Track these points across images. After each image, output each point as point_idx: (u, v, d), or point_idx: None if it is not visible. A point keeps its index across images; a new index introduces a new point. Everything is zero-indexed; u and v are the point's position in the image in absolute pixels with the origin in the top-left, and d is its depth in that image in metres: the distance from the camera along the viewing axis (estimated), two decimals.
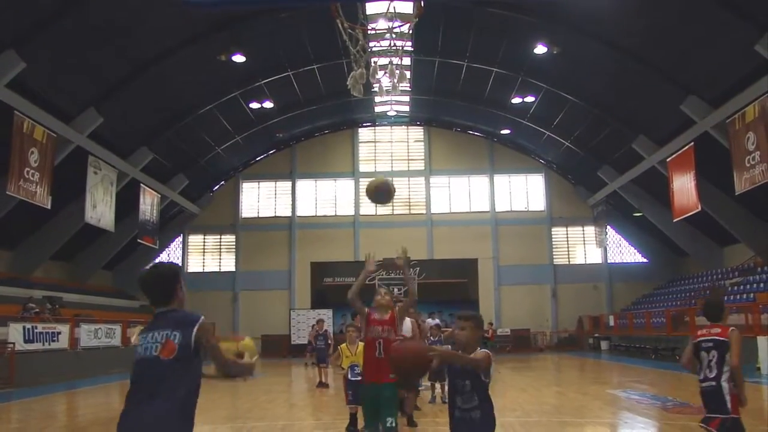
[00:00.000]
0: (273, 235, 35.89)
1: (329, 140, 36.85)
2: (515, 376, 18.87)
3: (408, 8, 18.56)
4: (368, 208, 36.42)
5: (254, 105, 29.76)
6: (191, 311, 3.45)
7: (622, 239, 36.13)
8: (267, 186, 37.05)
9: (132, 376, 3.30)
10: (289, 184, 36.73)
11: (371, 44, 17.83)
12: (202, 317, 3.39)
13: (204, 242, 36.88)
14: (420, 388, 11.26)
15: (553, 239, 36.09)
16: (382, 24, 17.82)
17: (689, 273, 31.83)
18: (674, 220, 26.16)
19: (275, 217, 36.51)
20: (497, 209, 36.18)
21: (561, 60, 25.06)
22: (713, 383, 5.20)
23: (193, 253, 36.74)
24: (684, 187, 24.17)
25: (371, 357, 5.72)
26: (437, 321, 15.39)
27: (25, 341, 17.78)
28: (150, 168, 28.71)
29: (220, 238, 36.74)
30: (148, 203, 29.48)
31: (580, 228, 36.40)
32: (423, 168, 36.77)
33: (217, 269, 36.44)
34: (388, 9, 14.41)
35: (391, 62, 16.87)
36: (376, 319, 5.88)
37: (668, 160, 25.37)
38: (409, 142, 37.32)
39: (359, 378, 7.95)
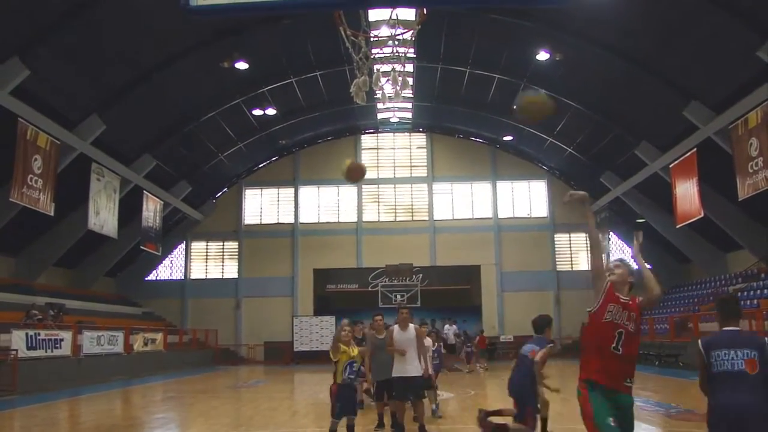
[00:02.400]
0: (276, 241, 35.88)
1: (332, 147, 36.86)
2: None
3: (411, 15, 18.55)
4: (371, 215, 36.45)
5: (257, 112, 29.82)
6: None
7: (625, 245, 36.04)
8: (270, 193, 37.07)
9: None
10: (291, 190, 36.75)
11: (374, 51, 17.87)
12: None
13: (207, 249, 36.88)
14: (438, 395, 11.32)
15: (556, 245, 36.02)
16: (384, 31, 17.82)
17: (692, 279, 31.73)
18: (677, 227, 26.09)
19: (278, 223, 36.51)
20: (500, 216, 36.13)
21: (563, 66, 25.08)
22: None
23: (195, 260, 36.73)
24: (687, 193, 24.12)
25: None
26: (455, 327, 15.35)
27: (28, 348, 17.76)
28: (153, 175, 28.76)
29: (223, 245, 36.74)
30: (151, 210, 29.52)
31: (583, 234, 36.26)
32: (425, 175, 36.76)
33: (219, 276, 36.43)
34: (390, 16, 14.41)
35: (393, 69, 16.85)
36: None
37: (671, 166, 25.33)
38: (411, 149, 37.34)
39: (352, 380, 7.89)
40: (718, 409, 4.42)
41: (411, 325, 9.08)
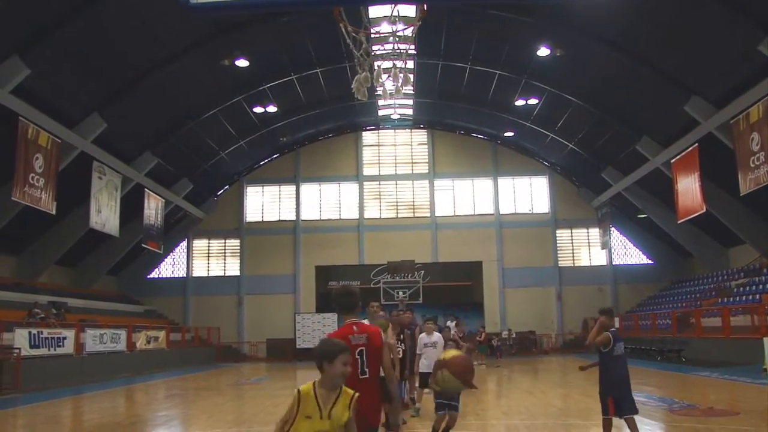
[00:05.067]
0: (277, 239, 35.92)
1: (333, 144, 36.88)
2: (521, 379, 18.84)
3: (411, 11, 18.55)
4: (373, 211, 36.47)
5: (258, 109, 29.82)
6: None
7: (627, 241, 36.05)
8: (271, 190, 37.09)
9: None
10: (293, 188, 36.76)
11: (374, 48, 17.86)
12: None
13: (208, 247, 36.92)
14: (416, 405, 10.57)
15: (557, 241, 36.00)
16: (385, 27, 17.83)
17: (694, 274, 31.76)
18: (679, 222, 26.08)
19: (280, 221, 36.54)
20: (501, 212, 36.12)
21: (564, 62, 25.04)
22: None
23: (197, 258, 36.77)
24: (688, 188, 24.11)
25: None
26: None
27: (31, 346, 17.82)
28: (154, 173, 28.79)
29: (225, 243, 36.78)
30: (153, 208, 29.54)
31: (585, 230, 36.33)
32: (427, 171, 36.75)
33: (221, 274, 36.47)
34: (391, 12, 14.41)
35: (394, 65, 16.87)
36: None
37: (672, 161, 25.32)
38: (412, 145, 37.33)
39: None
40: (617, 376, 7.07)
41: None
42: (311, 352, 4.76)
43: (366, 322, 8.23)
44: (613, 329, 7.21)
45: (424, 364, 9.62)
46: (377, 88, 19.42)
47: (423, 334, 10.00)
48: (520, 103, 29.73)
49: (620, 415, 6.97)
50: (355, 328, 4.30)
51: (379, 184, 36.83)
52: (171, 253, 36.02)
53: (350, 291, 4.59)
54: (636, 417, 6.83)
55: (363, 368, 4.18)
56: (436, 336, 10.00)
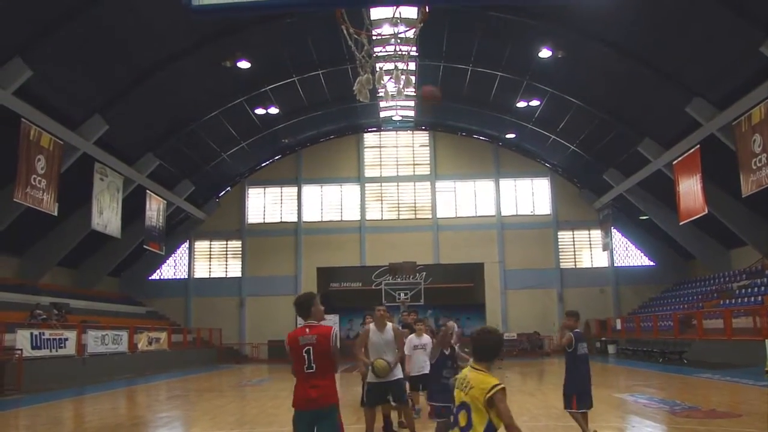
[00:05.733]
0: (279, 240, 35.93)
1: (335, 145, 36.90)
2: (523, 381, 18.82)
3: (413, 13, 18.56)
4: (374, 213, 36.47)
5: (260, 111, 29.85)
6: None
7: (629, 242, 36.02)
8: (273, 191, 37.11)
9: None
10: (294, 189, 36.78)
11: (376, 49, 17.86)
12: None
13: (210, 248, 36.94)
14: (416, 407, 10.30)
15: (559, 243, 35.99)
16: (387, 29, 17.86)
17: (696, 276, 31.72)
18: (681, 223, 26.06)
19: (281, 222, 36.55)
20: (503, 213, 36.12)
21: (566, 63, 25.04)
22: None
23: (199, 259, 36.80)
24: (690, 189, 24.09)
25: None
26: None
27: (33, 348, 17.82)
28: (156, 174, 28.81)
29: (227, 244, 36.80)
30: (154, 209, 29.56)
31: (587, 231, 36.31)
32: (428, 173, 36.75)
33: (223, 275, 36.50)
34: (393, 14, 14.42)
35: (396, 67, 16.87)
36: None
37: (674, 162, 25.30)
38: (414, 147, 37.33)
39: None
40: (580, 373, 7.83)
41: (389, 325, 8.34)
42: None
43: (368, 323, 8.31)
44: (577, 331, 7.94)
45: (415, 368, 9.32)
46: (379, 90, 19.43)
47: (413, 335, 9.60)
48: (521, 104, 29.73)
49: (578, 409, 7.74)
50: (307, 330, 5.14)
51: (381, 186, 36.84)
52: (172, 255, 36.04)
53: (305, 299, 5.47)
54: (638, 419, 6.86)
55: (310, 363, 5.04)
56: (426, 338, 9.53)
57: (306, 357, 5.03)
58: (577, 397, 7.74)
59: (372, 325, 8.36)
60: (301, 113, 31.78)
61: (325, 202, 36.89)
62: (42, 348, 18.31)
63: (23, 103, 18.99)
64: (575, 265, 36.16)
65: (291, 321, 33.34)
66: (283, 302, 34.83)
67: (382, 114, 34.93)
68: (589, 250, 36.40)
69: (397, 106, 33.10)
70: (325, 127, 35.42)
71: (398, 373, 8.17)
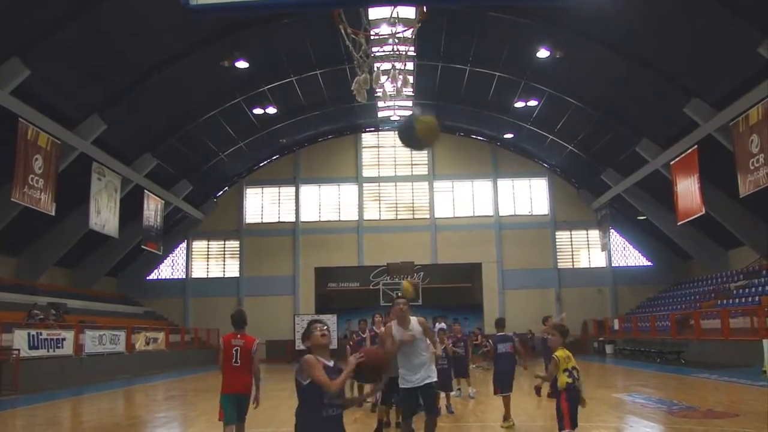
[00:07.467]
0: (277, 240, 35.92)
1: (333, 145, 36.90)
2: (520, 381, 18.78)
3: (411, 13, 18.57)
4: (372, 213, 36.46)
5: (258, 111, 29.83)
6: None
7: (627, 243, 36.06)
8: (271, 191, 37.09)
9: None
10: (292, 189, 36.77)
11: (374, 49, 17.87)
12: None
13: (208, 248, 36.92)
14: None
15: (557, 243, 36.02)
16: (384, 29, 17.83)
17: (694, 276, 31.75)
18: (678, 224, 26.09)
19: (279, 222, 36.54)
20: (501, 213, 36.14)
21: (564, 64, 25.06)
22: None
23: (197, 259, 36.77)
24: (688, 190, 24.12)
25: None
26: (443, 325, 15.28)
27: (30, 348, 17.79)
28: (154, 174, 28.78)
29: (224, 244, 36.78)
30: (152, 209, 29.54)
31: (584, 232, 36.35)
32: (426, 173, 36.75)
33: (221, 275, 36.48)
34: (391, 14, 14.42)
35: (394, 67, 16.89)
36: None
37: (672, 163, 25.33)
38: None
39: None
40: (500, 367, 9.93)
41: (413, 319, 7.16)
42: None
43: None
44: (500, 334, 10.11)
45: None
46: (377, 90, 19.43)
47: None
48: (519, 104, 29.74)
49: (500, 393, 9.79)
50: (238, 336, 6.97)
51: (379, 186, 36.84)
52: (170, 255, 36.01)
53: (238, 315, 7.13)
54: (636, 419, 6.90)
55: (236, 359, 6.88)
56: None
57: (235, 354, 6.90)
58: (499, 385, 9.85)
59: (394, 323, 7.21)
60: (299, 113, 31.77)
61: (323, 202, 36.88)
62: (39, 348, 18.27)
63: (21, 102, 18.96)
64: (573, 265, 36.19)
65: (289, 321, 33.43)
66: (281, 302, 34.88)
67: (380, 114, 34.90)
68: (587, 250, 36.43)
69: (394, 105, 33.08)
70: (322, 127, 35.41)
71: (432, 375, 7.03)
